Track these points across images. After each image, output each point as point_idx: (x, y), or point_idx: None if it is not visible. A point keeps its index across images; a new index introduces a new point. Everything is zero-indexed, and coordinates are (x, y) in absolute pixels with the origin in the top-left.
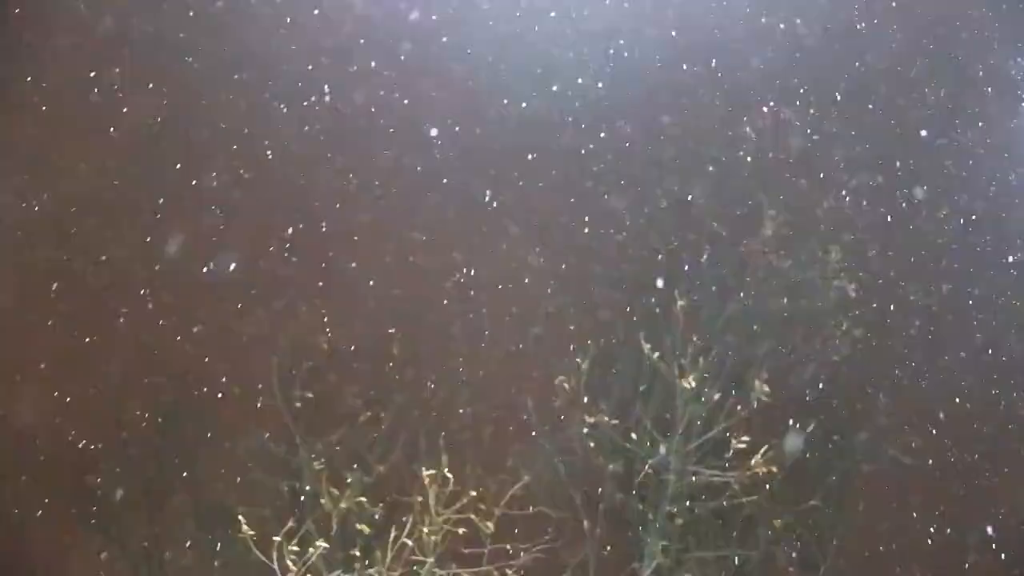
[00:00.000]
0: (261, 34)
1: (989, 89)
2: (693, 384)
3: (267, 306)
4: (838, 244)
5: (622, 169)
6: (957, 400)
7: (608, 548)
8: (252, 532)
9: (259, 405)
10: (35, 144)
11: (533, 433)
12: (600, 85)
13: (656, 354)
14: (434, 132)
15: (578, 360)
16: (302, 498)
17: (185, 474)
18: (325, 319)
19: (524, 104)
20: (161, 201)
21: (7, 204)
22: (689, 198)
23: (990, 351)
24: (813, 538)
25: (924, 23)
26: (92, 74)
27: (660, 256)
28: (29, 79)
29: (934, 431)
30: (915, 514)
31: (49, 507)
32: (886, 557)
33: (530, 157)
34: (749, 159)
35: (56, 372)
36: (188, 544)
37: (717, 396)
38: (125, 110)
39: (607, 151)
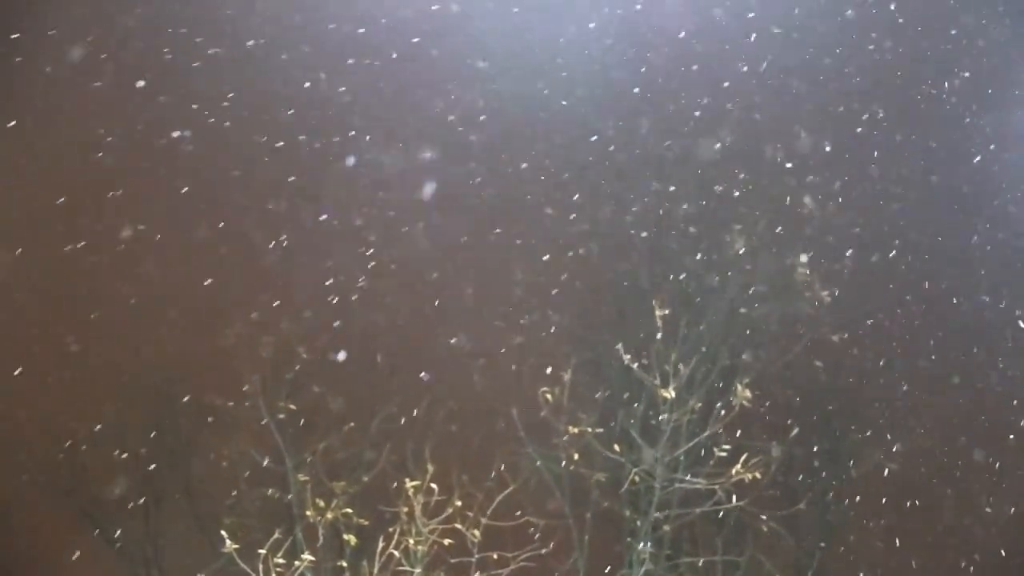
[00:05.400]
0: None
1: (953, 95)
2: (673, 394)
3: (248, 317)
4: (812, 250)
5: (603, 178)
6: (942, 405)
7: (596, 555)
8: (236, 546)
9: (243, 416)
10: (30, 140)
11: (519, 442)
12: (579, 93)
13: (636, 364)
14: (415, 141)
15: (561, 372)
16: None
17: (174, 486)
18: (308, 330)
19: (504, 116)
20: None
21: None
22: (668, 206)
23: (970, 355)
24: (800, 543)
25: (907, 27)
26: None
27: (640, 265)
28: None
29: (919, 436)
30: (903, 519)
31: (45, 509)
32: (874, 561)
33: (510, 169)
34: (726, 166)
35: (50, 375)
36: (180, 553)
37: (699, 406)
38: (120, 113)
39: (587, 161)
